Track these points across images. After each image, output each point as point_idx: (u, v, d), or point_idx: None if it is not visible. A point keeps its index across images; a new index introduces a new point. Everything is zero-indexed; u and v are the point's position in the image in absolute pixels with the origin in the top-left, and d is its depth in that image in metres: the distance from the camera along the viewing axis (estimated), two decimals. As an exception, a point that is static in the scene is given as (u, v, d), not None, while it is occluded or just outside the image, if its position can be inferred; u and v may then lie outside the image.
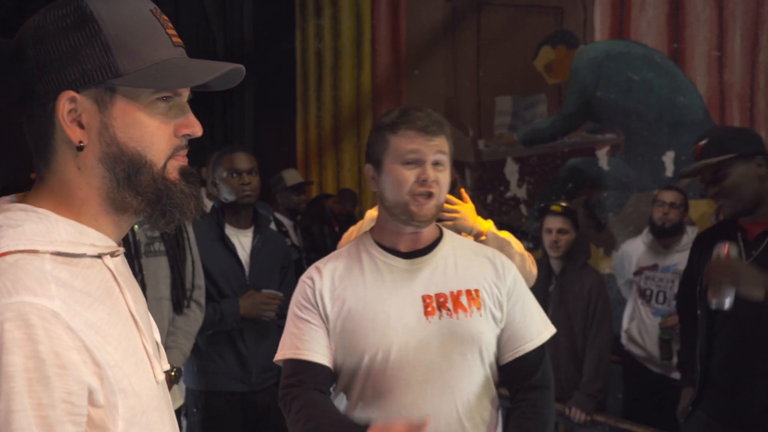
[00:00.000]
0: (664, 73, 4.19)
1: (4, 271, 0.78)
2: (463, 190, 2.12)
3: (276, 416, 2.80)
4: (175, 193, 0.89)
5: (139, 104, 0.86)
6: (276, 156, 5.70)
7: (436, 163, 1.59)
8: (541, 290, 3.10)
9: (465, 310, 1.61)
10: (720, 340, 2.19)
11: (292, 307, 1.67)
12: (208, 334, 2.70)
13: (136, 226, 2.26)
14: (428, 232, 1.68)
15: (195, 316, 2.47)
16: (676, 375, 3.21)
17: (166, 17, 0.89)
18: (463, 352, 1.60)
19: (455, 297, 1.62)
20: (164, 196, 0.88)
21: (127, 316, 0.89)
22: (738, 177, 2.10)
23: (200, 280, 2.52)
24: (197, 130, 0.91)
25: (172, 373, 2.32)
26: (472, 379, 1.61)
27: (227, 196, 2.75)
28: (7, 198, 0.89)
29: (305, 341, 1.60)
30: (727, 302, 1.96)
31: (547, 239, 3.19)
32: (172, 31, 0.89)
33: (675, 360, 3.28)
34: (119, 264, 0.93)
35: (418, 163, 1.58)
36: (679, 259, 3.39)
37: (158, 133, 0.87)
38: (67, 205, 0.87)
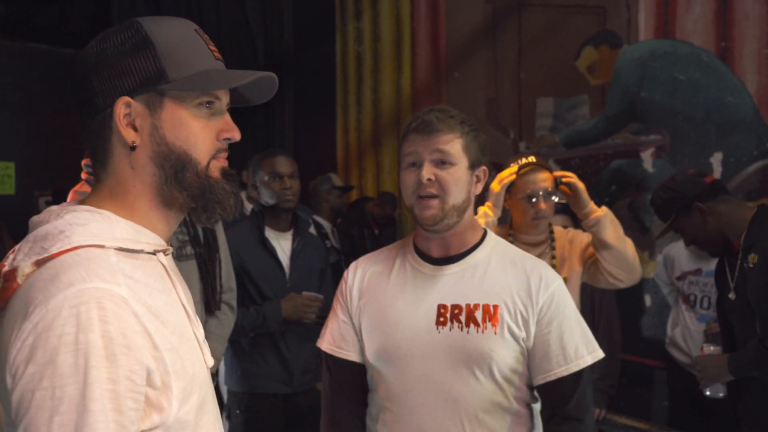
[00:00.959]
0: (712, 73, 4.08)
1: (78, 263, 0.89)
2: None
3: (318, 417, 2.81)
4: (217, 190, 1.00)
5: (185, 107, 0.98)
6: (316, 159, 5.73)
7: (439, 162, 1.52)
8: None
9: (477, 325, 1.53)
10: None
11: (334, 299, 1.72)
12: (251, 337, 2.72)
13: None
14: (463, 237, 1.60)
15: (227, 319, 2.48)
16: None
17: (207, 36, 1.02)
18: (471, 368, 1.52)
19: (470, 310, 1.54)
20: (207, 191, 0.99)
21: (179, 306, 0.99)
22: (690, 229, 2.38)
23: (231, 282, 2.53)
24: (236, 134, 1.02)
25: None
26: (482, 397, 1.53)
27: (268, 199, 2.77)
28: (73, 201, 1.02)
29: (339, 338, 1.65)
30: (721, 392, 2.31)
31: None
32: (213, 47, 1.01)
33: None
34: (170, 261, 1.04)
35: (417, 164, 1.54)
36: (725, 263, 3.30)
37: (202, 134, 0.99)
38: (123, 203, 0.98)
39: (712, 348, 2.40)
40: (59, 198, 5.11)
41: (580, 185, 2.27)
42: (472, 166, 1.57)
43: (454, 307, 1.55)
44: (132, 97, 0.96)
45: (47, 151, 6.13)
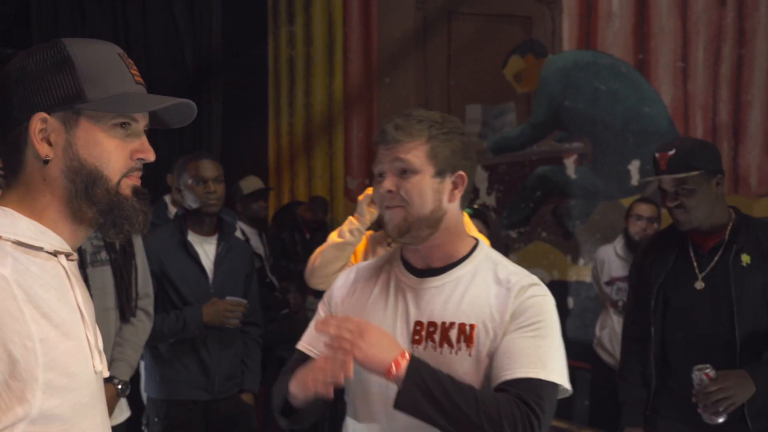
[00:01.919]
0: (630, 84, 4.25)
1: None
2: None
3: (239, 425, 2.79)
4: (126, 207, 1.03)
5: (100, 127, 1.01)
6: (248, 162, 5.67)
7: (400, 171, 1.46)
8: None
9: (451, 346, 1.44)
10: (676, 354, 2.23)
11: (320, 302, 1.66)
12: (171, 342, 2.67)
13: None
14: (445, 250, 1.51)
15: (143, 326, 2.42)
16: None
17: (131, 61, 1.06)
18: None
19: (445, 329, 1.45)
20: (116, 207, 1.02)
21: (75, 307, 0.99)
22: (700, 194, 2.11)
23: (148, 288, 2.46)
24: (150, 155, 1.05)
25: (119, 386, 2.25)
26: None
27: (191, 203, 2.72)
28: None
29: (314, 338, 1.55)
30: (723, 419, 2.04)
31: None
32: (135, 72, 1.05)
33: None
34: (73, 267, 1.04)
35: (383, 175, 1.49)
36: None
37: (115, 153, 1.01)
38: (31, 209, 0.99)
39: (711, 371, 2.05)
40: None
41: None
42: (441, 172, 1.47)
43: (430, 324, 1.47)
44: (49, 114, 0.98)
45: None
